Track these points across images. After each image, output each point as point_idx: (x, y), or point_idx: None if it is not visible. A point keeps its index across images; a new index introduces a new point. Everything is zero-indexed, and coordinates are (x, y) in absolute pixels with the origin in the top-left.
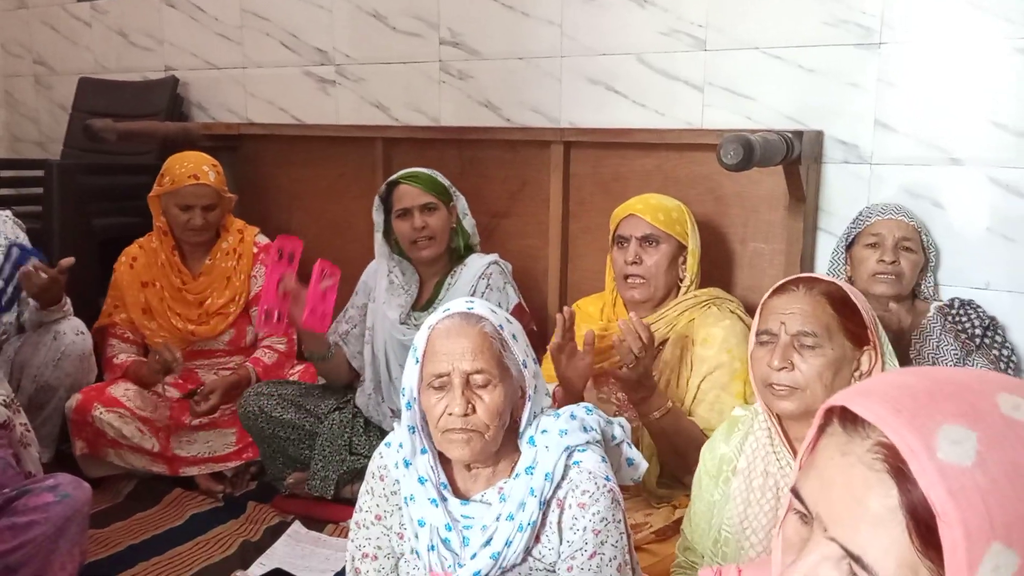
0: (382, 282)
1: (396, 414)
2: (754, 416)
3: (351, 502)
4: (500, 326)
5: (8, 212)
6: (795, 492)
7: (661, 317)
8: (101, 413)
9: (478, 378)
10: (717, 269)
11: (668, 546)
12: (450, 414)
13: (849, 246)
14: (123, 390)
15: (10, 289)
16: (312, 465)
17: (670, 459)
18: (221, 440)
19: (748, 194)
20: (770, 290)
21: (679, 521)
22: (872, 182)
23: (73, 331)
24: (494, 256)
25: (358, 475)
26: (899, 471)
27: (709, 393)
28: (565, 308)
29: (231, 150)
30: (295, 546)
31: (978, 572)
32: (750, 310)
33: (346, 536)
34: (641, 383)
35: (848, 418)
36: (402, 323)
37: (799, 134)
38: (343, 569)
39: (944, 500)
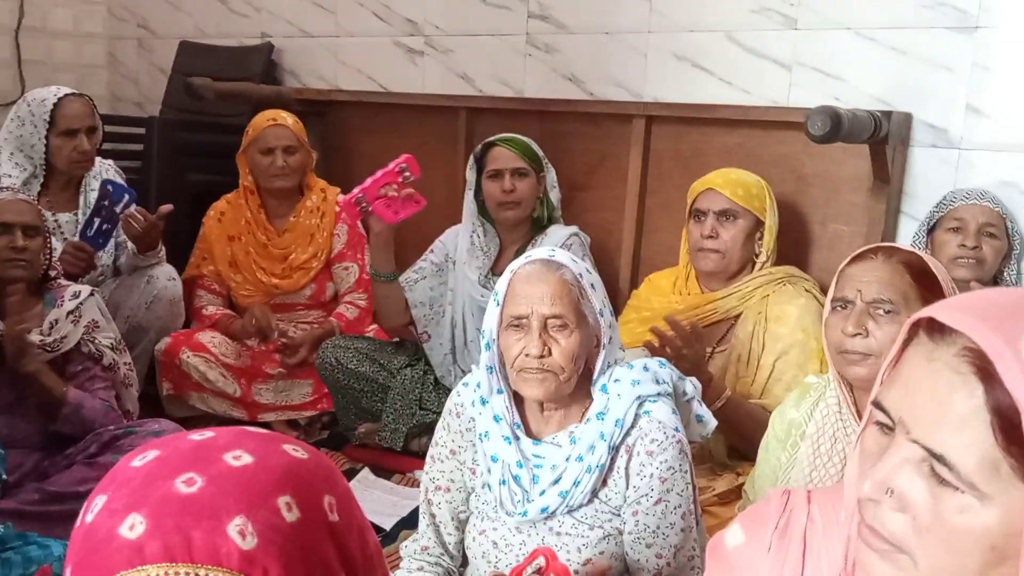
0: (463, 243)
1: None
2: (827, 384)
3: (418, 455)
4: (580, 275)
5: (111, 162)
6: (876, 403)
7: (733, 292)
8: (188, 357)
9: (555, 322)
10: (794, 249)
11: (730, 509)
12: (527, 355)
13: (931, 230)
14: (210, 337)
15: (104, 226)
16: (383, 417)
17: (736, 441)
18: (298, 390)
19: (830, 174)
20: (848, 258)
21: (741, 486)
22: (960, 167)
23: (165, 276)
24: (575, 228)
25: (426, 429)
26: (985, 372)
27: (786, 373)
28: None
29: (320, 115)
30: (363, 491)
31: None
32: (826, 292)
33: (412, 485)
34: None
35: (935, 328)
36: (481, 285)
37: (887, 114)
38: (409, 515)
39: None
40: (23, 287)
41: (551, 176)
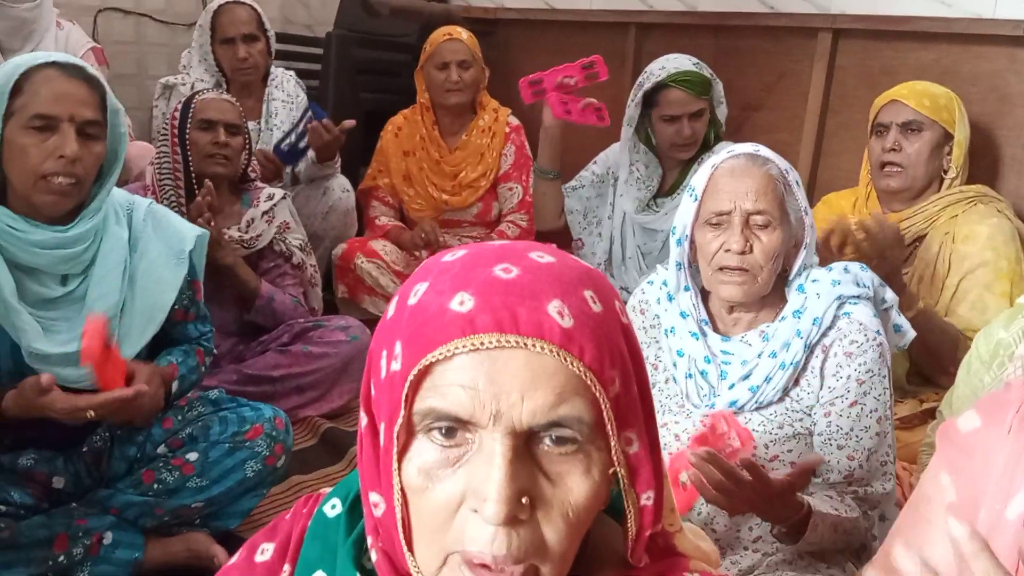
0: (623, 175)
1: (624, 291)
2: None
3: None
4: (786, 171)
5: (293, 72)
6: None
7: (919, 211)
8: (362, 262)
9: (759, 219)
10: (988, 174)
11: (914, 434)
12: (727, 250)
13: None
14: (382, 245)
15: (300, 144)
16: None
17: (923, 358)
18: None
19: None
20: None
21: (926, 412)
22: None
23: (340, 188)
24: None
25: None
26: None
27: (971, 292)
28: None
29: (486, 35)
30: None
31: None
32: (1021, 217)
33: None
34: (888, 282)
35: None
36: (641, 212)
37: None
38: None
39: None
40: (224, 184)
41: (718, 91)
